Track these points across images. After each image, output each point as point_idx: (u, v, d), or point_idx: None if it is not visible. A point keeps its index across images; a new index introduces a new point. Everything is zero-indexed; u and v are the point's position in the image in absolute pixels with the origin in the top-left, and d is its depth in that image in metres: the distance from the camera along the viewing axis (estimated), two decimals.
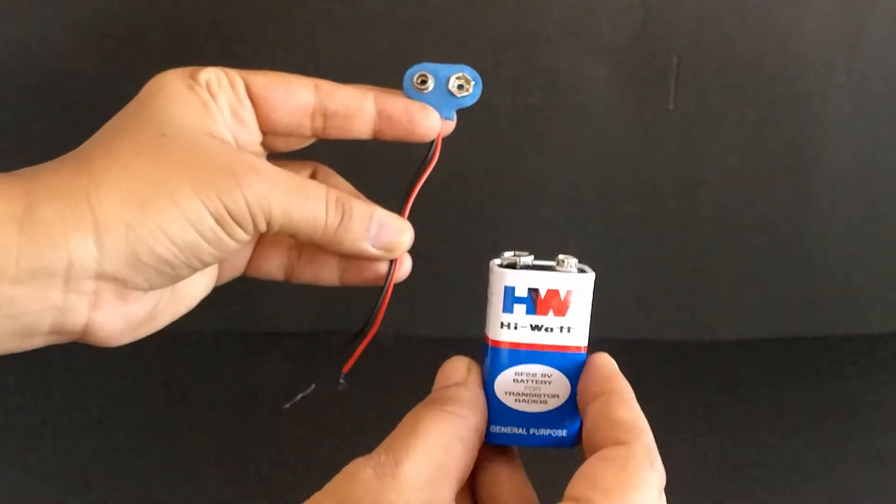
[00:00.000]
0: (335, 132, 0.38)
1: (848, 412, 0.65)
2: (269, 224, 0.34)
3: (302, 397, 0.39)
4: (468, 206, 0.69)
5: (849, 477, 0.59)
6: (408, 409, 0.33)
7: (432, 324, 0.69)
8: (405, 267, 0.39)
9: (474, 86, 0.38)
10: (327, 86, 0.37)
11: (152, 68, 0.62)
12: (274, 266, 0.41)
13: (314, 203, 0.35)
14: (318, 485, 0.29)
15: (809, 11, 0.65)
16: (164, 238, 0.32)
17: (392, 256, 0.38)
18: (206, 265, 0.35)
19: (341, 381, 0.39)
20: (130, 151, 0.33)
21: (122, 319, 0.34)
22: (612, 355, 0.34)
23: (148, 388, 0.64)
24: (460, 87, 0.38)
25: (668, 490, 0.30)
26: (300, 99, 0.37)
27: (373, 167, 0.63)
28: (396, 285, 0.40)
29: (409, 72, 0.38)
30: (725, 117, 0.67)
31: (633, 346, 0.70)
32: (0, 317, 0.31)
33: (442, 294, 0.69)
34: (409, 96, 0.38)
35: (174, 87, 0.35)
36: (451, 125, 0.39)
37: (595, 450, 0.29)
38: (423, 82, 0.38)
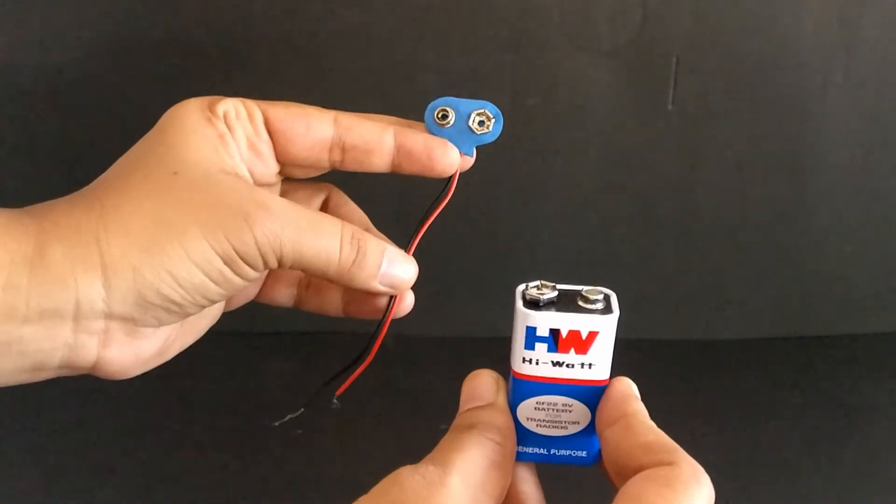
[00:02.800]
0: (353, 165, 0.38)
1: (848, 412, 0.65)
2: (280, 262, 0.34)
3: (291, 419, 0.40)
4: (468, 206, 0.69)
5: (849, 477, 0.59)
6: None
7: (432, 324, 0.69)
8: (407, 302, 0.39)
9: (494, 123, 0.38)
10: (347, 119, 0.37)
11: (155, 72, 0.63)
12: (284, 296, 0.42)
13: (328, 240, 0.35)
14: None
15: (807, 12, 0.65)
16: (171, 280, 0.32)
17: (396, 293, 0.38)
18: (214, 303, 0.35)
19: (335, 402, 0.39)
20: (141, 191, 0.33)
21: (132, 356, 0.34)
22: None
23: (148, 388, 0.64)
24: (481, 123, 0.38)
25: None
26: (319, 133, 0.37)
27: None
28: None
29: (431, 105, 0.38)
30: (724, 118, 0.68)
31: (633, 346, 0.70)
32: (10, 353, 0.32)
33: (442, 294, 0.70)
34: (429, 130, 0.38)
35: (191, 120, 0.35)
36: (469, 161, 0.38)
37: (629, 476, 0.29)
38: (444, 117, 0.38)
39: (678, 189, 0.70)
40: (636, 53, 0.65)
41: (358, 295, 0.39)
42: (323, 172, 0.39)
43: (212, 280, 0.33)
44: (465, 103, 0.38)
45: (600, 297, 0.32)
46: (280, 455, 0.58)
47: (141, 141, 0.36)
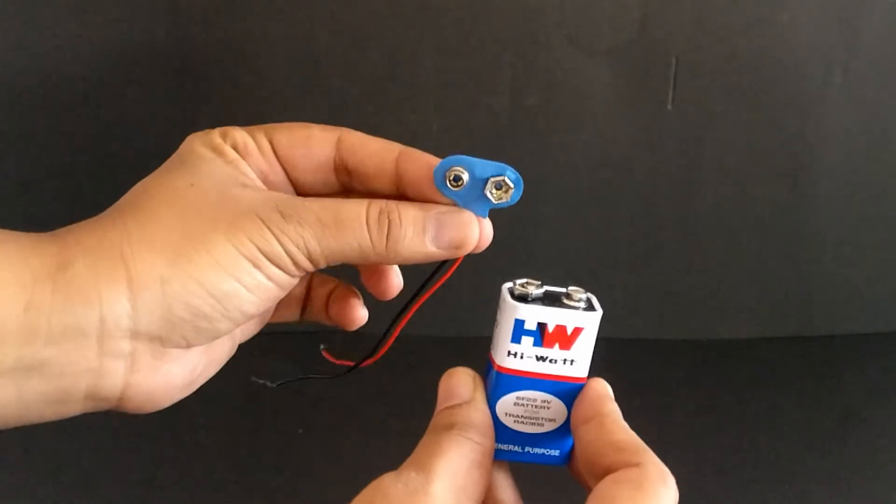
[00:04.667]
0: (360, 189, 0.36)
1: (848, 412, 0.65)
2: (312, 261, 0.33)
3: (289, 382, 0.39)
4: None
5: (849, 477, 0.59)
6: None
7: (432, 324, 0.69)
8: (486, 232, 0.36)
9: (514, 191, 0.34)
10: (350, 139, 0.36)
11: (155, 75, 0.62)
12: (288, 315, 0.42)
13: (352, 229, 0.33)
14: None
15: (807, 12, 0.65)
16: (200, 289, 0.31)
17: (463, 253, 0.35)
18: (248, 316, 0.33)
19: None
20: (161, 203, 0.32)
21: (162, 382, 0.33)
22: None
23: None
24: (498, 186, 0.34)
25: None
26: (321, 155, 0.36)
27: None
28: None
29: (441, 164, 0.34)
30: (723, 117, 0.68)
31: (632, 346, 0.70)
32: (32, 380, 0.31)
33: (442, 294, 0.70)
34: (438, 190, 0.34)
35: (204, 149, 0.35)
36: (487, 232, 0.35)
37: (599, 473, 0.30)
38: (457, 179, 0.34)
39: (677, 189, 0.70)
40: (636, 53, 0.65)
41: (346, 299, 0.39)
42: (339, 193, 0.37)
43: (244, 286, 0.32)
44: (480, 165, 0.34)
45: (584, 296, 0.33)
46: (280, 455, 0.59)
47: (153, 173, 0.35)
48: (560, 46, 0.65)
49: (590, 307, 0.33)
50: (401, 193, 0.35)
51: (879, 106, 0.68)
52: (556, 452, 0.35)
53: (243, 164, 0.35)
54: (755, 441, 0.62)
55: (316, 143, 0.35)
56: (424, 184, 0.34)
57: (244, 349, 0.68)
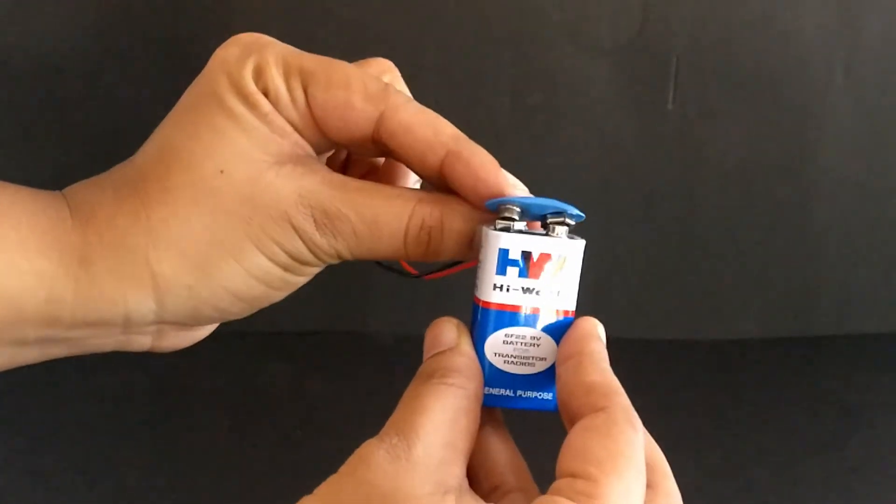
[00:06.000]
0: (400, 162, 0.34)
1: (848, 412, 0.65)
2: (340, 259, 0.33)
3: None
4: None
5: (849, 477, 0.59)
6: None
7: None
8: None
9: (574, 223, 0.33)
10: (392, 123, 0.32)
11: (152, 66, 0.62)
12: None
13: (387, 242, 0.32)
14: (317, 484, 0.30)
15: (808, 12, 0.65)
16: (230, 296, 0.32)
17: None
18: (274, 302, 0.34)
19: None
20: (188, 197, 0.31)
21: (188, 339, 0.35)
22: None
23: (148, 387, 0.65)
24: (556, 220, 0.32)
25: None
26: (356, 132, 0.33)
27: None
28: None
29: (493, 202, 0.32)
30: (724, 117, 0.68)
31: (633, 346, 0.70)
32: (59, 347, 0.32)
33: (441, 294, 0.70)
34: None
35: (234, 101, 0.32)
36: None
37: (573, 416, 0.29)
38: (510, 219, 0.32)
39: (678, 188, 0.70)
40: (636, 53, 0.65)
41: None
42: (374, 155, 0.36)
43: (273, 288, 0.32)
44: (536, 206, 0.32)
45: (565, 229, 0.33)
46: (279, 455, 0.58)
47: (184, 105, 0.34)
48: (561, 46, 0.65)
49: (573, 238, 0.33)
50: (443, 182, 0.33)
51: (880, 106, 0.68)
52: (548, 396, 0.33)
53: (278, 120, 0.32)
54: (755, 441, 0.62)
55: (353, 118, 0.32)
56: (471, 196, 0.33)
57: (243, 349, 0.67)
